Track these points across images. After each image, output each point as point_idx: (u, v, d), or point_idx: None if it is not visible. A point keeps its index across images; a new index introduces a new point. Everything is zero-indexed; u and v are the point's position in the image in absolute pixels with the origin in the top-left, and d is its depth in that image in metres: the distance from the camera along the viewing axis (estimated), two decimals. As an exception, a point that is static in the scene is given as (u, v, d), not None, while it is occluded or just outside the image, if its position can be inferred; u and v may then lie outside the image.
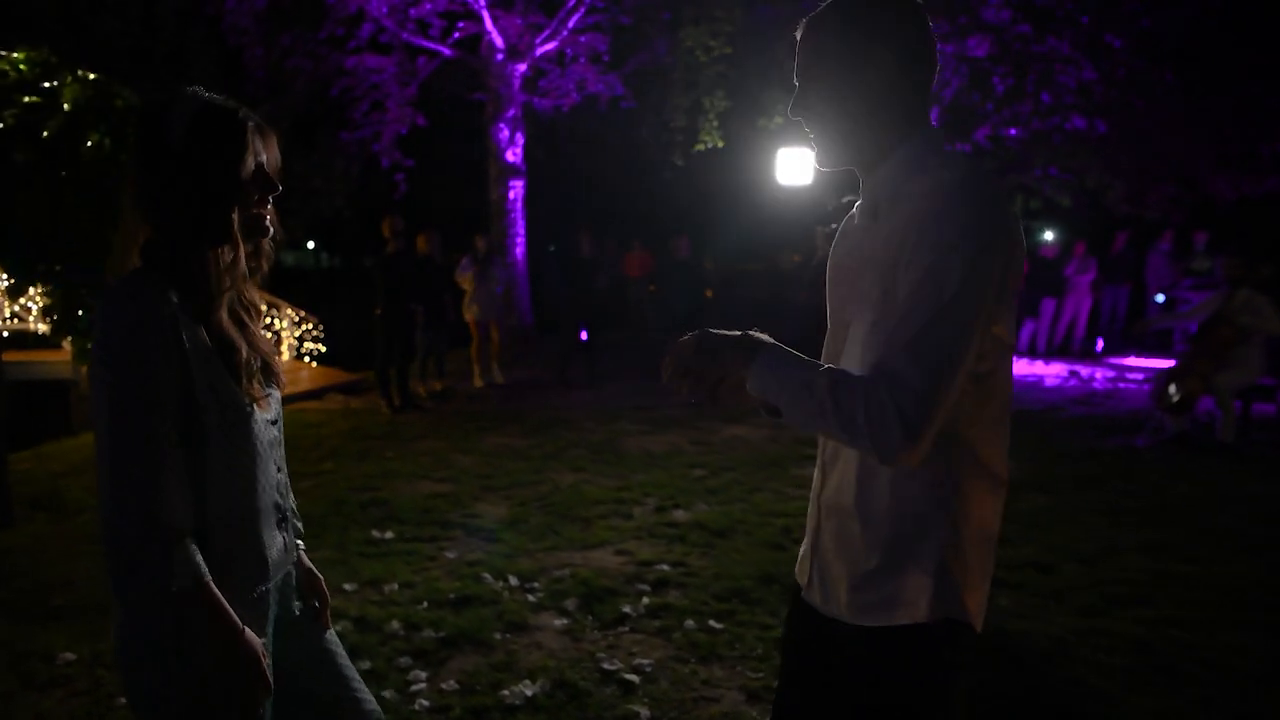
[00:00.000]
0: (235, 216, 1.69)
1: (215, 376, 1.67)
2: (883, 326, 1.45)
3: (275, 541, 1.81)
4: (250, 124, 1.69)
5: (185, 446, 1.63)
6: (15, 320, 10.79)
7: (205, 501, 1.66)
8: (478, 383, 10.57)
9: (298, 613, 1.92)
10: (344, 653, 1.99)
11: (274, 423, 1.83)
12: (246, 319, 1.82)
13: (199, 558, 1.60)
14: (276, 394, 1.86)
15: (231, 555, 1.70)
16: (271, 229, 1.79)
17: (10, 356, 5.90)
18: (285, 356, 13.69)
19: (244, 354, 1.73)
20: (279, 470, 1.84)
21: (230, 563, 1.70)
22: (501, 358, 11.05)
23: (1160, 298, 14.39)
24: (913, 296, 1.40)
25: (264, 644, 1.72)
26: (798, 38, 1.61)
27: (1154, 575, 4.62)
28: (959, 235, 1.39)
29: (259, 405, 1.75)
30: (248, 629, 1.65)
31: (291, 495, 1.93)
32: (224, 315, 1.73)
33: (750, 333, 1.53)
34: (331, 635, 1.98)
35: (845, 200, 1.45)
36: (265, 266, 1.83)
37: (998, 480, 1.55)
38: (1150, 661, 3.71)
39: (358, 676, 1.98)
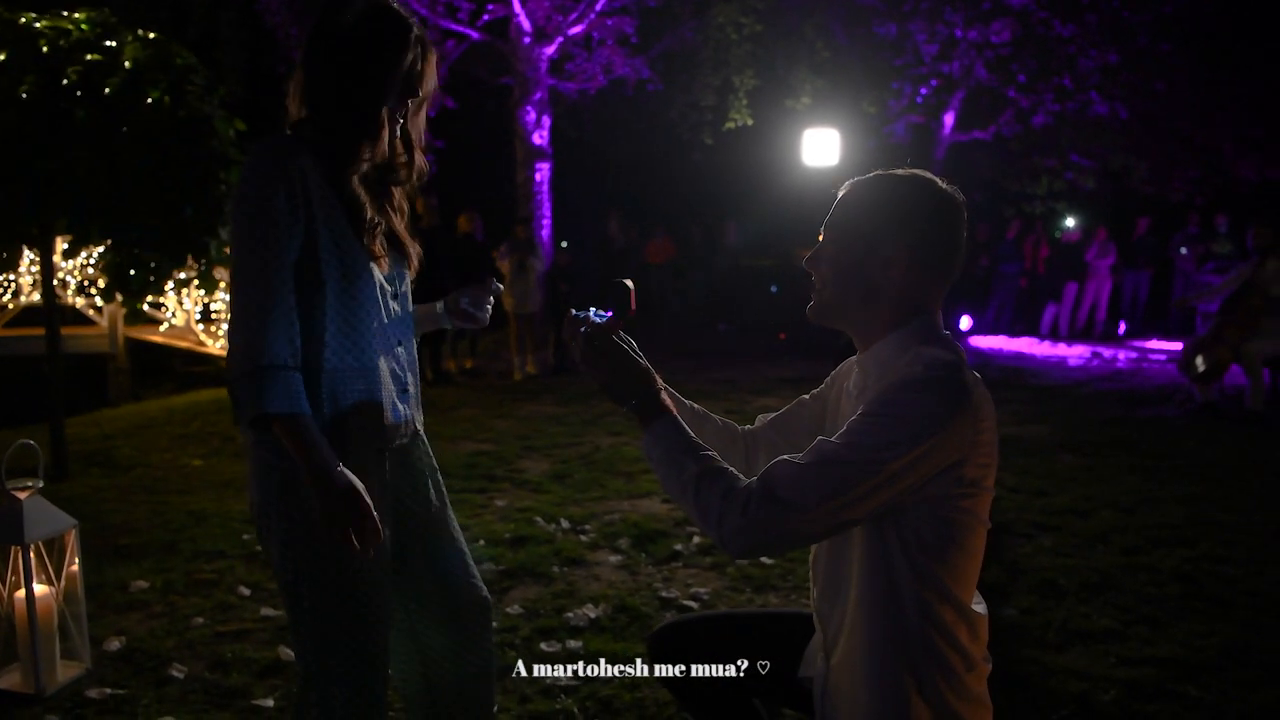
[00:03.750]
0: (383, 108, 1.80)
1: (338, 231, 1.77)
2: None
3: (392, 409, 1.87)
4: (414, 34, 1.81)
5: (304, 291, 1.73)
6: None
7: (323, 345, 1.75)
8: (516, 376, 10.19)
9: (419, 490, 2.01)
10: (461, 538, 2.08)
11: (397, 297, 1.91)
12: (390, 209, 1.92)
13: (299, 391, 1.68)
14: (406, 274, 1.96)
15: (344, 407, 1.79)
16: (416, 143, 1.91)
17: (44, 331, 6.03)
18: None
19: (370, 213, 1.82)
20: (400, 344, 1.91)
21: (343, 413, 1.78)
22: (534, 348, 10.56)
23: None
24: (844, 432, 1.48)
25: (377, 495, 1.81)
26: (839, 193, 1.67)
27: (1194, 521, 4.70)
28: (903, 416, 1.44)
29: (379, 264, 1.84)
30: (344, 469, 1.69)
31: (415, 378, 2.00)
32: (356, 180, 1.82)
33: (660, 387, 1.65)
34: (451, 520, 2.07)
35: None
36: (415, 178, 1.94)
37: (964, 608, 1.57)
38: (1196, 592, 3.80)
39: (473, 565, 2.07)
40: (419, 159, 1.93)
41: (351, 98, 1.77)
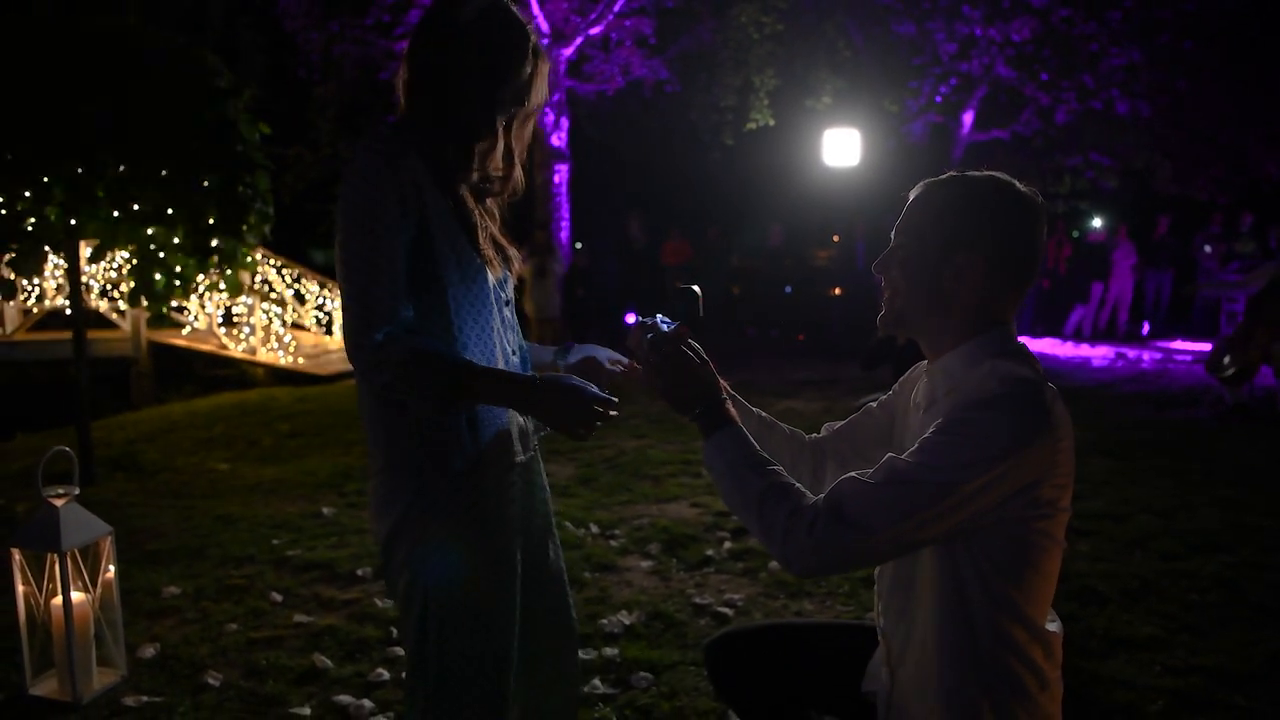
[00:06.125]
0: (495, 113, 1.69)
1: (451, 233, 1.67)
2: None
3: (515, 420, 1.79)
4: (532, 42, 1.70)
5: (425, 295, 1.65)
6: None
7: (461, 349, 1.67)
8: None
9: (538, 508, 1.93)
10: (562, 560, 2.01)
11: (508, 304, 1.83)
12: (485, 215, 1.79)
13: (445, 349, 1.62)
14: (510, 281, 1.85)
15: (480, 418, 1.70)
16: (518, 158, 1.80)
17: (69, 334, 6.03)
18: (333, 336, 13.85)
19: (477, 219, 1.73)
20: (515, 354, 1.82)
21: (480, 423, 1.70)
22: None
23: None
24: (916, 450, 1.42)
25: (513, 511, 1.76)
26: (910, 196, 1.60)
27: (1232, 526, 4.63)
28: (979, 436, 1.39)
29: (491, 268, 1.75)
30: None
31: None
32: (464, 189, 1.73)
33: (725, 395, 1.62)
34: (556, 540, 1.99)
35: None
36: (508, 193, 1.83)
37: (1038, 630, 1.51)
38: (1239, 599, 3.73)
39: (569, 592, 2.01)
40: (517, 174, 1.82)
41: (462, 102, 1.67)
